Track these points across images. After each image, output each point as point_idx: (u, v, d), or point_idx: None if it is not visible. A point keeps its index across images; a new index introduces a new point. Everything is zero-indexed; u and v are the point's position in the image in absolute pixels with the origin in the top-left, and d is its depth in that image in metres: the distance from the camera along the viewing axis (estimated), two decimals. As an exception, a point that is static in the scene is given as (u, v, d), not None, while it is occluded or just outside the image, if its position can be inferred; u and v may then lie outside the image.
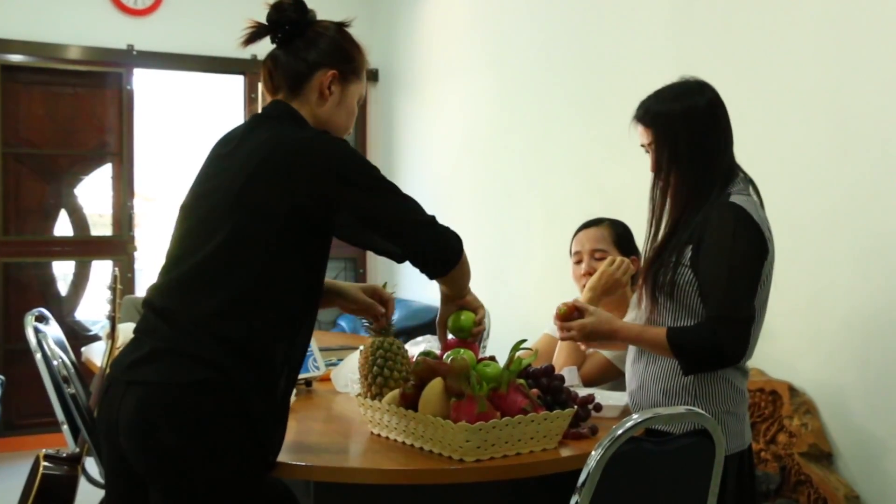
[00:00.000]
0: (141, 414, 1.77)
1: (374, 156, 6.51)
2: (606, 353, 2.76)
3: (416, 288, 5.80)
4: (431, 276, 1.96)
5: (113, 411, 1.83)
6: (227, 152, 1.95)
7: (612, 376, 2.75)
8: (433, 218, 1.94)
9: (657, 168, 2.26)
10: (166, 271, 1.90)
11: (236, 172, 1.87)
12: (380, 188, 1.90)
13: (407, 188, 6.67)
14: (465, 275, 2.07)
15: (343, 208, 1.84)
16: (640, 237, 2.33)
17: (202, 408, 1.76)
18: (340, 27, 2.04)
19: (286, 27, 1.99)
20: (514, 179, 4.91)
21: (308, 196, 1.81)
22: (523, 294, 4.79)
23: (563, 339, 2.37)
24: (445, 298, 2.14)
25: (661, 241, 2.26)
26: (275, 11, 1.99)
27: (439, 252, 1.95)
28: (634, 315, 2.71)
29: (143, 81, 6.23)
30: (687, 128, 2.21)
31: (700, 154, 2.21)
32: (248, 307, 1.81)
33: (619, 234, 2.92)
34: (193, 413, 1.75)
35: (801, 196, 3.08)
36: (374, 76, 6.40)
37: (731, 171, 2.23)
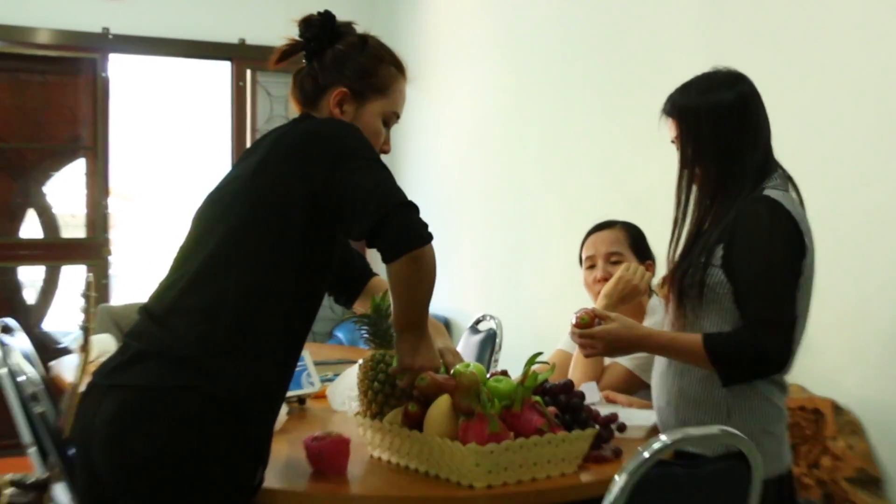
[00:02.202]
0: (118, 419, 1.80)
1: (374, 150, 6.52)
2: (626, 363, 2.76)
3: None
4: (386, 256, 1.86)
5: (89, 418, 1.86)
6: (249, 155, 2.04)
7: (634, 388, 2.75)
8: (411, 202, 1.89)
9: (682, 164, 2.29)
10: (169, 275, 1.97)
11: (248, 167, 1.97)
12: (371, 165, 1.93)
13: (413, 186, 6.67)
14: (424, 277, 1.91)
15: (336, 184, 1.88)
16: (667, 240, 2.34)
17: (185, 414, 1.78)
18: (364, 41, 2.13)
19: (311, 43, 2.12)
20: (530, 177, 4.91)
21: (324, 180, 1.88)
22: (539, 302, 4.79)
23: (586, 355, 2.37)
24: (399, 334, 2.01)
25: (687, 240, 2.27)
26: (303, 26, 2.12)
27: (412, 224, 1.86)
28: (653, 322, 2.72)
29: (120, 68, 6.25)
30: (712, 123, 2.24)
31: (727, 150, 2.23)
32: (244, 306, 1.85)
33: (634, 237, 2.93)
34: (175, 420, 1.78)
35: (845, 196, 3.08)
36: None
37: (765, 168, 2.25)
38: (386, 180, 1.89)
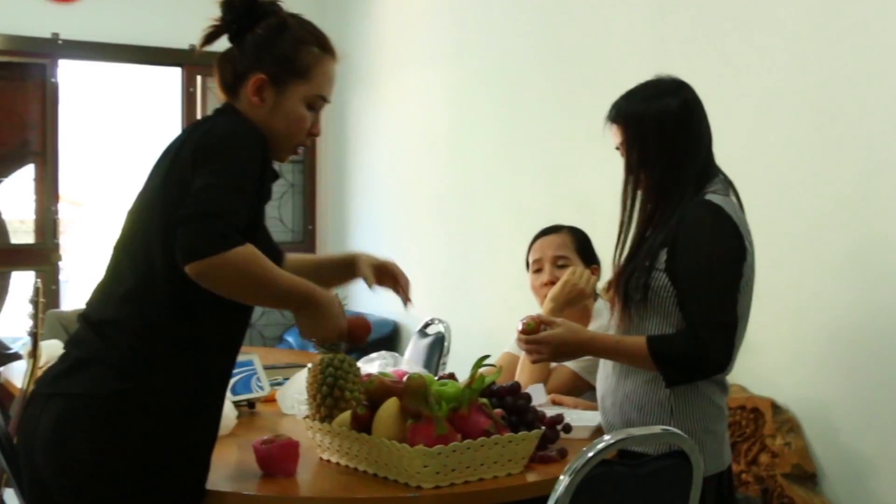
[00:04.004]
0: (58, 427, 1.79)
1: (324, 156, 6.50)
2: (572, 365, 2.78)
3: (368, 299, 5.77)
4: (180, 260, 1.74)
5: (31, 427, 1.85)
6: (164, 156, 1.97)
7: (580, 389, 2.76)
8: (226, 214, 1.74)
9: (627, 170, 2.31)
10: (103, 282, 1.94)
11: (159, 179, 1.91)
12: (216, 171, 1.78)
13: (360, 191, 6.60)
14: (231, 286, 1.78)
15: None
16: (613, 244, 2.36)
17: (123, 420, 1.78)
18: (284, 22, 2.02)
19: (233, 26, 2.01)
20: (478, 182, 4.92)
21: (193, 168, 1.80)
22: (487, 306, 4.79)
23: (534, 361, 2.39)
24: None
25: (631, 244, 2.29)
26: (224, 8, 2.01)
27: (197, 234, 1.72)
28: (598, 325, 2.75)
29: (70, 73, 6.16)
30: (657, 130, 2.26)
31: (671, 156, 2.26)
32: (173, 315, 1.83)
33: (580, 242, 2.95)
34: (112, 426, 1.77)
35: (785, 201, 3.12)
36: (323, 69, 6.37)
37: (706, 173, 2.27)
38: (211, 187, 1.75)
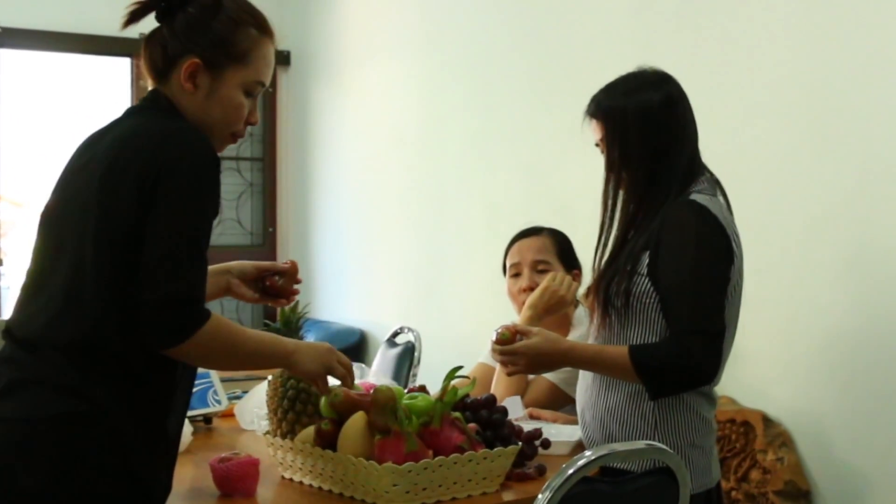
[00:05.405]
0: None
1: (285, 154, 6.48)
2: (550, 377, 2.78)
3: (333, 308, 5.77)
4: (150, 344, 1.79)
5: None
6: (90, 153, 1.91)
7: (559, 403, 2.77)
8: (193, 294, 1.79)
9: (608, 168, 2.31)
10: (27, 295, 1.89)
11: (92, 176, 1.85)
12: (188, 225, 1.80)
13: (324, 191, 6.58)
14: (207, 361, 1.96)
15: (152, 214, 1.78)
16: (594, 247, 2.37)
17: (68, 444, 1.74)
18: (218, 2, 1.96)
19: (162, 3, 1.96)
20: (450, 181, 4.92)
21: (139, 194, 1.78)
22: (460, 313, 4.80)
23: (509, 373, 2.39)
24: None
25: (613, 246, 2.30)
26: None
27: (166, 323, 1.76)
28: (579, 334, 2.75)
29: (11, 64, 6.13)
30: (639, 125, 2.26)
31: (654, 153, 2.26)
32: (120, 329, 1.79)
33: (561, 245, 2.95)
34: (57, 451, 1.74)
35: (776, 202, 3.14)
36: (285, 59, 6.37)
37: (691, 171, 2.28)
38: (174, 260, 1.76)
